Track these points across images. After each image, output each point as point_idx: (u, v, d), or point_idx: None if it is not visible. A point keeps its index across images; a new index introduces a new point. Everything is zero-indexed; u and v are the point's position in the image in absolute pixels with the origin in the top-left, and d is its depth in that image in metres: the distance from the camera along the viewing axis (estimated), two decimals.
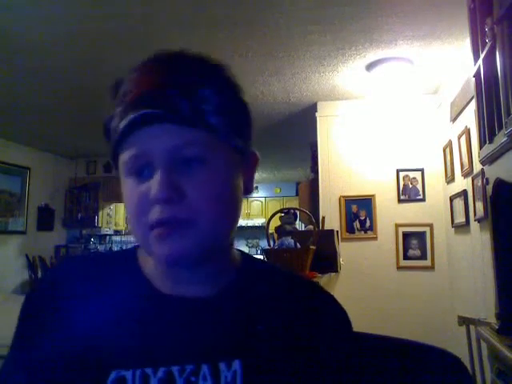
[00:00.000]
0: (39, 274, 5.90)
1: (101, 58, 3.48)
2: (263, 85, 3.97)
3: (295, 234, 2.74)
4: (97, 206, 7.30)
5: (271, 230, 2.71)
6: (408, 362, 0.83)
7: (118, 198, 7.41)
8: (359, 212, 4.26)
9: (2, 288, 5.50)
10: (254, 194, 10.81)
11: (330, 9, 2.74)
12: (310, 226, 2.97)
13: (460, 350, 2.44)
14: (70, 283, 0.64)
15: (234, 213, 0.62)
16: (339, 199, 4.30)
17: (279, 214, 2.86)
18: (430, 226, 4.12)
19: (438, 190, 4.11)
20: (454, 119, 3.52)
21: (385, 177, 4.25)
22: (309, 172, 5.00)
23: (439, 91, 4.11)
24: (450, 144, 3.67)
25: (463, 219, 3.32)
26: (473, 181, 3.01)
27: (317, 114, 4.46)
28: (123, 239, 8.70)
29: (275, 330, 0.62)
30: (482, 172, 2.57)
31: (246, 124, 0.64)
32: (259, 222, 10.23)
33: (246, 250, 8.72)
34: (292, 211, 2.98)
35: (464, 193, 3.29)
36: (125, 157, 0.59)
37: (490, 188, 2.02)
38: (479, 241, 2.96)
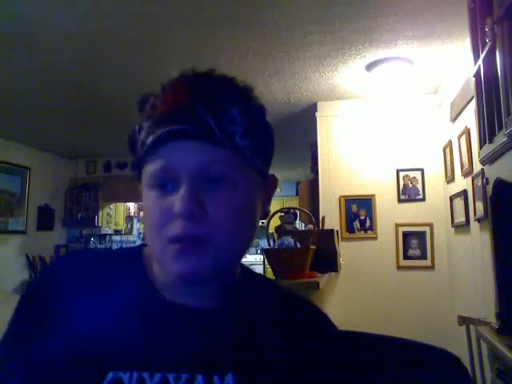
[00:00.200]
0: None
1: (101, 58, 3.48)
2: (263, 85, 3.97)
3: (295, 233, 2.74)
4: (97, 206, 7.29)
5: (271, 229, 2.71)
6: (407, 362, 0.83)
7: (117, 198, 7.42)
8: (359, 212, 4.26)
9: (1, 288, 5.50)
10: None
11: (330, 9, 2.74)
12: (310, 226, 2.97)
13: (460, 350, 2.44)
14: (70, 278, 0.64)
15: (251, 235, 0.63)
16: (339, 199, 4.30)
17: (279, 214, 2.86)
18: (430, 225, 4.12)
19: (438, 189, 4.12)
20: (453, 119, 3.52)
21: (385, 177, 4.25)
22: (309, 172, 5.00)
23: (439, 91, 4.11)
24: (449, 144, 3.67)
25: (463, 219, 3.32)
26: (473, 181, 3.01)
27: (317, 114, 4.46)
28: (123, 239, 8.70)
29: (271, 345, 0.62)
30: (482, 172, 2.57)
31: (269, 147, 0.66)
32: (259, 221, 10.21)
33: None
34: (292, 211, 2.98)
35: (464, 193, 3.29)
36: (150, 169, 0.59)
37: (490, 188, 2.02)
38: (479, 241, 2.96)
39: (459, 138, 3.33)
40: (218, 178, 0.58)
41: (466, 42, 2.69)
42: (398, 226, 4.18)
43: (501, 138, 1.72)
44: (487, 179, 2.08)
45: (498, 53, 1.71)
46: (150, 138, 0.58)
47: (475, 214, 2.99)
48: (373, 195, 4.24)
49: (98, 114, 4.90)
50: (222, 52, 3.33)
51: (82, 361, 0.57)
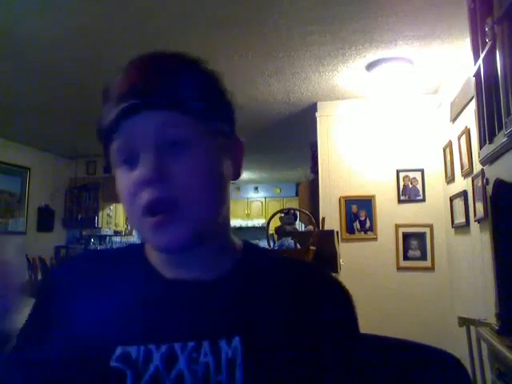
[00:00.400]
0: (39, 275, 5.89)
1: (100, 58, 3.48)
2: (263, 85, 3.97)
3: (295, 234, 2.74)
4: (97, 207, 7.29)
5: (271, 230, 2.71)
6: (407, 362, 0.83)
7: (117, 199, 7.39)
8: (359, 212, 4.26)
9: None
10: (254, 195, 10.82)
11: (330, 9, 2.74)
12: (310, 227, 2.97)
13: (460, 351, 2.43)
14: (78, 271, 0.70)
15: (221, 194, 0.65)
16: (339, 200, 4.29)
17: (279, 215, 2.86)
18: (430, 226, 4.12)
19: (438, 190, 4.11)
20: (453, 119, 3.52)
21: (385, 177, 4.25)
22: (309, 172, 5.00)
23: (439, 91, 4.11)
24: (449, 144, 3.67)
25: (463, 220, 3.32)
26: (473, 181, 3.01)
27: (317, 114, 4.46)
28: (123, 240, 8.69)
29: (274, 311, 0.64)
30: (482, 172, 2.56)
31: (227, 109, 0.68)
32: (259, 222, 10.22)
33: None
34: (292, 212, 2.98)
35: (464, 193, 3.29)
36: (114, 147, 0.64)
37: (490, 188, 2.01)
38: (479, 241, 2.96)
39: (459, 139, 3.32)
40: (177, 142, 0.60)
41: (466, 42, 2.68)
42: (397, 226, 4.18)
43: (501, 139, 1.72)
44: (487, 179, 2.07)
45: (497, 53, 1.71)
46: (108, 118, 0.62)
47: (475, 215, 2.99)
48: (373, 196, 4.24)
49: (98, 114, 4.89)
50: (222, 52, 3.33)
51: (91, 340, 0.60)
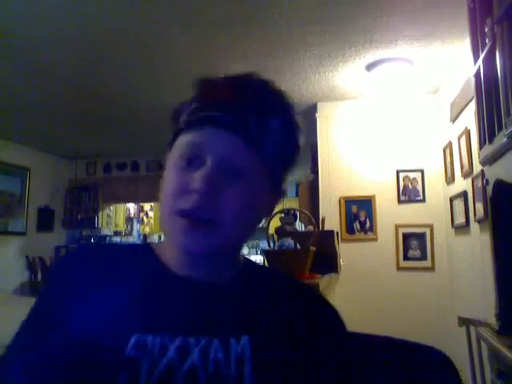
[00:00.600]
0: (39, 275, 5.90)
1: (101, 59, 3.48)
2: None
3: (295, 234, 2.74)
4: (97, 207, 7.29)
5: (271, 230, 2.71)
6: (395, 360, 0.84)
7: (117, 199, 7.42)
8: (359, 213, 4.26)
9: (1, 288, 5.49)
10: None
11: (330, 9, 2.74)
12: (310, 227, 2.97)
13: (460, 351, 2.43)
14: (96, 259, 0.71)
15: (253, 227, 0.70)
16: (339, 200, 4.29)
17: (279, 215, 2.86)
18: (430, 226, 4.12)
19: (438, 190, 4.11)
20: (453, 119, 3.52)
21: (385, 177, 4.25)
22: (309, 173, 5.00)
23: (439, 91, 4.11)
24: (449, 145, 3.67)
25: (463, 220, 3.32)
26: (473, 181, 3.01)
27: (317, 115, 4.46)
28: (123, 240, 8.70)
29: (276, 313, 0.69)
30: (482, 173, 2.56)
31: (292, 165, 0.73)
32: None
33: (245, 250, 8.72)
34: (292, 212, 2.98)
35: (464, 193, 3.29)
36: (184, 139, 0.66)
37: (490, 189, 2.01)
38: (479, 241, 2.96)
39: (459, 139, 3.32)
40: (239, 172, 0.64)
41: (466, 42, 2.68)
42: (397, 226, 4.18)
43: (501, 139, 1.72)
44: (487, 180, 2.08)
45: (497, 53, 1.71)
46: (194, 115, 0.65)
47: (475, 215, 2.99)
48: (373, 196, 4.24)
49: (98, 115, 4.91)
50: (222, 52, 3.34)
51: (108, 328, 0.62)
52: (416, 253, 4.14)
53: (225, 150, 0.63)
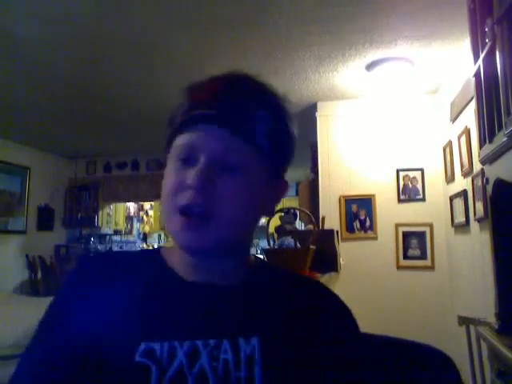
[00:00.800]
0: (39, 274, 5.90)
1: (101, 58, 3.48)
2: None
3: (295, 233, 2.74)
4: (97, 206, 7.30)
5: (271, 229, 2.71)
6: (395, 359, 0.84)
7: (117, 198, 7.42)
8: (359, 212, 4.27)
9: (1, 287, 5.50)
10: None
11: (330, 9, 2.74)
12: (310, 226, 2.97)
13: (460, 350, 2.44)
14: (104, 269, 0.72)
15: (251, 224, 0.71)
16: (339, 199, 4.30)
17: (279, 214, 2.86)
18: (430, 225, 4.12)
19: (437, 189, 4.11)
20: (453, 119, 3.52)
21: (385, 177, 4.25)
22: (309, 172, 5.00)
23: (439, 91, 4.11)
24: (449, 144, 3.67)
25: (463, 219, 3.32)
26: (473, 181, 3.01)
27: (317, 114, 4.46)
28: (123, 239, 8.70)
29: (286, 314, 0.69)
30: (482, 172, 2.57)
31: (288, 155, 0.74)
32: (259, 221, 10.20)
33: None
34: (292, 211, 2.98)
35: (464, 193, 3.29)
36: (179, 142, 0.68)
37: (489, 188, 2.02)
38: (479, 241, 2.96)
39: (459, 138, 3.33)
40: (233, 166, 0.65)
41: (466, 42, 2.69)
42: (397, 226, 4.18)
43: (501, 138, 1.72)
44: (487, 179, 2.08)
45: (497, 53, 1.71)
46: (185, 116, 0.67)
47: (475, 214, 2.99)
48: (373, 195, 4.24)
49: (98, 115, 4.90)
50: (222, 52, 3.34)
51: (117, 336, 0.63)
52: (416, 252, 4.14)
53: (216, 145, 0.64)
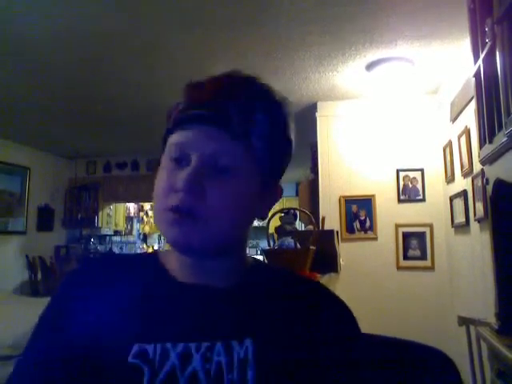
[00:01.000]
0: (39, 274, 5.90)
1: (101, 58, 3.48)
2: None
3: (295, 234, 2.74)
4: (97, 207, 7.29)
5: (271, 230, 2.71)
6: (395, 360, 0.84)
7: (117, 199, 7.42)
8: (359, 212, 4.26)
9: (1, 288, 5.50)
10: None
11: (330, 9, 2.74)
12: (310, 226, 2.97)
13: (460, 350, 2.44)
14: (100, 272, 0.73)
15: (243, 225, 0.70)
16: (339, 199, 4.30)
17: (279, 214, 2.86)
18: (430, 226, 4.12)
19: (437, 190, 4.11)
20: (454, 119, 3.52)
21: (385, 177, 4.25)
22: (309, 172, 5.00)
23: (439, 91, 4.11)
24: (450, 144, 3.67)
25: (463, 219, 3.32)
26: (473, 181, 3.01)
27: (317, 114, 4.46)
28: (123, 239, 8.70)
29: (282, 317, 0.68)
30: (482, 172, 2.57)
31: (283, 159, 0.73)
32: (259, 222, 10.21)
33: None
34: (292, 211, 2.98)
35: (464, 193, 3.29)
36: (172, 140, 0.68)
37: (489, 188, 2.02)
38: (479, 241, 2.96)
39: (459, 138, 3.33)
40: (224, 167, 0.64)
41: (466, 42, 2.68)
42: (397, 226, 4.18)
43: (501, 138, 1.72)
44: (487, 179, 2.08)
45: (497, 53, 1.71)
46: (180, 115, 0.67)
47: (475, 215, 2.99)
48: (373, 195, 4.24)
49: (98, 114, 4.90)
50: (222, 52, 3.34)
51: (110, 338, 0.63)
52: (416, 252, 4.14)
53: (208, 146, 0.64)
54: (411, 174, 4.21)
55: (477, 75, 2.05)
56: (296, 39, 3.15)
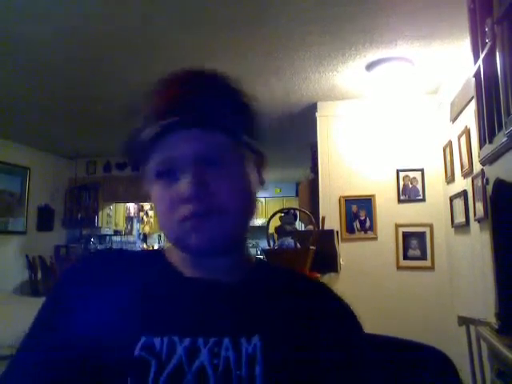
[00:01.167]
0: (39, 274, 5.90)
1: (101, 58, 3.48)
2: (263, 85, 3.97)
3: (295, 234, 2.74)
4: (97, 206, 7.30)
5: (271, 230, 2.71)
6: (395, 359, 0.84)
7: (117, 199, 7.42)
8: (359, 212, 4.26)
9: (1, 288, 5.50)
10: None
11: (330, 9, 2.74)
12: (310, 226, 2.97)
13: (460, 350, 2.44)
14: (106, 264, 0.73)
15: (253, 202, 0.71)
16: (339, 199, 4.29)
17: (279, 214, 2.86)
18: (430, 226, 4.12)
19: (437, 190, 4.11)
20: (454, 119, 3.52)
21: (385, 177, 4.25)
22: (309, 172, 5.00)
23: (439, 91, 4.11)
24: (449, 144, 3.67)
25: (463, 219, 3.32)
26: (473, 181, 3.01)
27: (317, 114, 4.46)
28: (123, 239, 8.70)
29: (289, 312, 0.69)
30: (482, 172, 2.57)
31: (254, 124, 0.72)
32: (259, 222, 10.17)
33: None
34: (292, 211, 2.98)
35: (464, 193, 3.29)
36: (154, 162, 0.66)
37: (489, 188, 2.02)
38: (479, 241, 2.96)
39: (459, 138, 3.33)
40: (217, 160, 0.64)
41: (466, 42, 2.68)
42: (397, 226, 4.18)
43: (501, 139, 1.72)
44: (487, 179, 2.08)
45: (497, 53, 1.71)
46: (148, 135, 0.65)
47: (475, 215, 2.99)
48: (373, 195, 4.24)
49: (98, 115, 4.90)
50: (222, 52, 3.33)
51: (117, 330, 0.63)
52: (416, 252, 4.14)
53: (194, 148, 0.64)
54: (411, 174, 4.21)
55: (477, 75, 2.05)
56: (296, 39, 3.15)
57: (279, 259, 2.41)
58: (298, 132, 5.34)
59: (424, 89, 4.14)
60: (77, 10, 2.75)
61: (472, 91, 2.34)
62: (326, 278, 2.66)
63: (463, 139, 3.22)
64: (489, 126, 1.90)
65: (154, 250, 0.79)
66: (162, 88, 0.68)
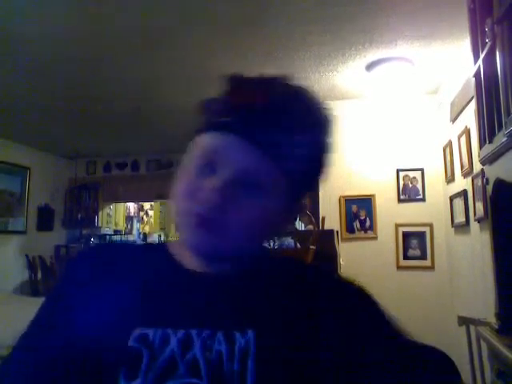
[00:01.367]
0: (39, 274, 5.90)
1: (101, 58, 3.48)
2: None
3: (295, 234, 2.74)
4: (97, 206, 7.30)
5: None
6: (396, 360, 0.84)
7: (117, 198, 7.42)
8: (359, 212, 4.26)
9: (1, 288, 5.50)
10: None
11: (330, 9, 2.74)
12: (310, 226, 2.97)
13: (460, 350, 2.44)
14: (105, 257, 0.73)
15: (263, 239, 0.72)
16: (339, 199, 4.30)
17: None
18: (430, 225, 4.12)
19: (437, 189, 4.11)
20: (454, 119, 3.52)
21: (385, 176, 4.25)
22: None
23: (439, 91, 4.11)
24: (449, 144, 3.67)
25: (463, 219, 3.32)
26: (473, 181, 3.01)
27: None
28: (123, 239, 8.70)
29: (286, 307, 0.66)
30: (482, 172, 2.57)
31: (313, 184, 0.72)
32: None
33: None
34: None
35: (464, 193, 3.29)
36: (203, 142, 0.65)
37: (489, 188, 2.02)
38: (479, 241, 2.96)
39: (459, 138, 3.33)
40: (253, 184, 0.62)
41: (466, 42, 2.68)
42: (397, 226, 4.18)
43: (501, 138, 1.72)
44: (487, 179, 2.08)
45: (497, 53, 1.71)
46: (216, 118, 0.63)
47: (475, 214, 2.99)
48: (373, 195, 4.24)
49: (98, 115, 4.90)
50: (222, 52, 3.33)
51: (111, 322, 0.63)
52: (416, 252, 4.14)
53: (242, 160, 0.61)
54: (411, 174, 4.21)
55: (477, 75, 2.05)
56: (296, 39, 3.15)
57: None
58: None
59: (424, 89, 4.14)
60: (77, 11, 2.75)
61: (472, 91, 2.34)
62: None
63: (463, 139, 3.22)
64: (489, 125, 1.90)
65: (157, 244, 0.80)
66: (253, 83, 0.67)
